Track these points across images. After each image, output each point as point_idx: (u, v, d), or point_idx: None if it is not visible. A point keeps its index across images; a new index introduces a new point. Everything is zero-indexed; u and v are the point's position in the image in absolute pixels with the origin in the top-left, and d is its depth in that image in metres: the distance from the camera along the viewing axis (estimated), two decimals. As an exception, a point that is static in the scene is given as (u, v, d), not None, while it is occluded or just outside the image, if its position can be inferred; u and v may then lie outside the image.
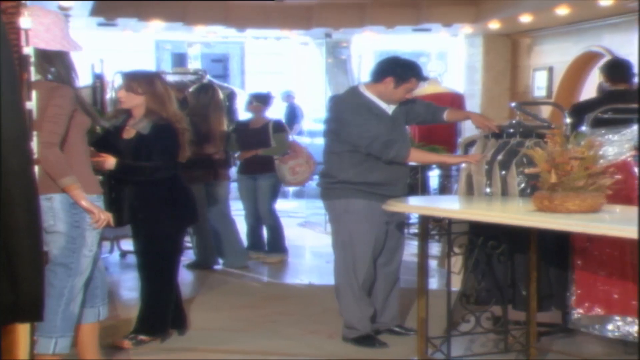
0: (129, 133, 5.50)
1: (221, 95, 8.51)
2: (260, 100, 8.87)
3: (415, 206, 5.10)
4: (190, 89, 8.62)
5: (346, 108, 5.68)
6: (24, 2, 3.29)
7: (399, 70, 5.62)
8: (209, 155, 8.04)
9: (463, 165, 5.70)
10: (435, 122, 6.22)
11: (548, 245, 5.27)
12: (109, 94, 9.48)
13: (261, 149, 8.64)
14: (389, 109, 5.69)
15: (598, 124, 5.42)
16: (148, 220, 5.55)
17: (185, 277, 8.05)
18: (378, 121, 5.59)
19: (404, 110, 5.78)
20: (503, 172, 5.36)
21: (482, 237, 4.96)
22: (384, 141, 5.52)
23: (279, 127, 8.78)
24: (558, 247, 5.31)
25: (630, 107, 5.62)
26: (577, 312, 5.20)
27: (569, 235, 5.04)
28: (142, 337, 5.63)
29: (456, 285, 5.35)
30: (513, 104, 6.25)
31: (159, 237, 5.59)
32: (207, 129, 8.01)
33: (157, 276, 5.64)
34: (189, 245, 8.85)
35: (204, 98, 8.19)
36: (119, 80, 9.46)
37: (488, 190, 5.41)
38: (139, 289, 5.77)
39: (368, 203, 5.56)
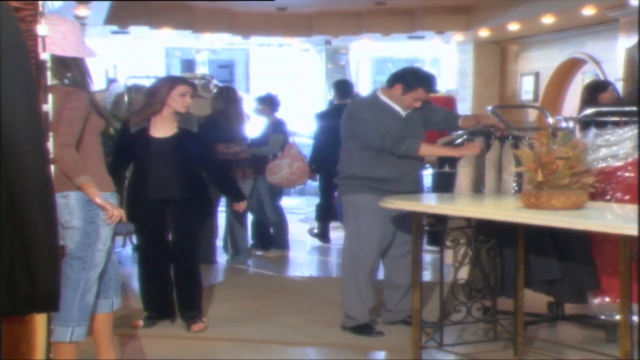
0: (161, 132, 5.63)
1: (239, 94, 8.45)
2: (266, 103, 8.82)
3: (409, 203, 5.08)
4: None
5: (362, 108, 5.76)
6: (41, 10, 3.28)
7: (408, 78, 5.65)
8: (235, 153, 7.97)
9: (462, 168, 5.63)
10: (451, 130, 6.18)
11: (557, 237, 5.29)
12: (113, 97, 9.44)
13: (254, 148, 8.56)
14: (403, 112, 5.70)
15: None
16: (199, 209, 5.80)
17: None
18: (391, 120, 5.62)
19: (421, 115, 5.75)
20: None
21: (482, 235, 4.94)
22: (396, 136, 5.54)
23: (276, 128, 8.69)
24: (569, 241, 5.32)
25: (619, 110, 5.62)
26: (597, 301, 5.21)
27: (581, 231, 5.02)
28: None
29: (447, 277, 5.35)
30: (489, 108, 6.23)
31: (199, 225, 5.91)
32: (231, 128, 7.95)
33: (197, 261, 5.91)
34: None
35: (219, 100, 8.14)
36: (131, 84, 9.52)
37: (515, 186, 5.40)
38: (180, 284, 5.81)
39: (375, 198, 5.52)
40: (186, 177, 5.70)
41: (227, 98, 8.11)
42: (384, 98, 5.70)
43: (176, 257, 5.82)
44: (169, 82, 5.74)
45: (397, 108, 5.68)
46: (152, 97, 5.69)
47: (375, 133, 5.56)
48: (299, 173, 8.48)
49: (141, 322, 5.80)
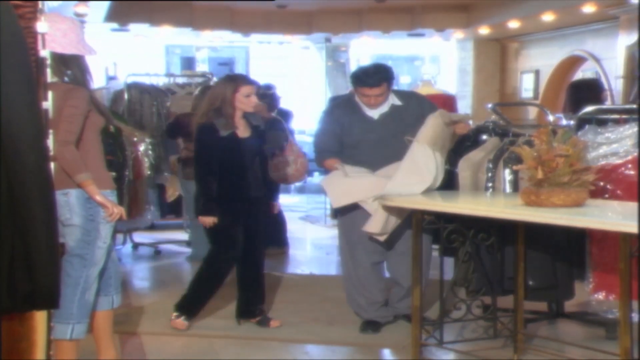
0: (242, 133, 5.67)
1: None
2: (263, 100, 8.78)
3: (408, 200, 5.08)
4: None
5: (325, 110, 6.03)
6: (41, 7, 3.28)
7: (350, 80, 5.81)
8: None
9: (462, 167, 5.60)
10: None
11: (554, 238, 5.27)
12: (112, 95, 9.44)
13: None
14: (376, 113, 5.66)
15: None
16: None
17: (187, 269, 8.07)
18: (340, 129, 5.67)
19: (423, 115, 5.64)
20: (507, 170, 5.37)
21: (472, 230, 4.93)
22: (320, 148, 5.80)
23: (272, 125, 8.65)
24: (564, 240, 5.31)
25: (618, 107, 5.62)
26: (595, 299, 5.20)
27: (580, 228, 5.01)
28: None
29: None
30: (489, 105, 6.21)
31: None
32: None
33: None
34: (187, 239, 8.88)
35: (201, 100, 8.16)
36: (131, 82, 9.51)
37: (489, 184, 5.38)
38: (253, 279, 5.85)
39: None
40: (263, 175, 5.84)
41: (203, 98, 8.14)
42: (357, 100, 5.73)
43: (255, 254, 5.83)
44: (232, 85, 5.64)
45: (368, 110, 5.67)
46: (219, 101, 5.61)
47: (315, 141, 5.86)
48: (302, 169, 8.47)
49: (186, 323, 5.75)
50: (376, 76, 5.59)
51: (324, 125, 5.86)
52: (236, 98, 5.59)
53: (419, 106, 5.73)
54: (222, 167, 5.60)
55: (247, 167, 5.67)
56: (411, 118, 5.61)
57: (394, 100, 5.69)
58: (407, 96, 5.85)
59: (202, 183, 5.64)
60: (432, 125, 5.26)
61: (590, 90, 6.87)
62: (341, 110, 5.79)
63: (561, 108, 6.87)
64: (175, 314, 5.74)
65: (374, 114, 5.66)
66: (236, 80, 5.70)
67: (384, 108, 5.65)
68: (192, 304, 5.78)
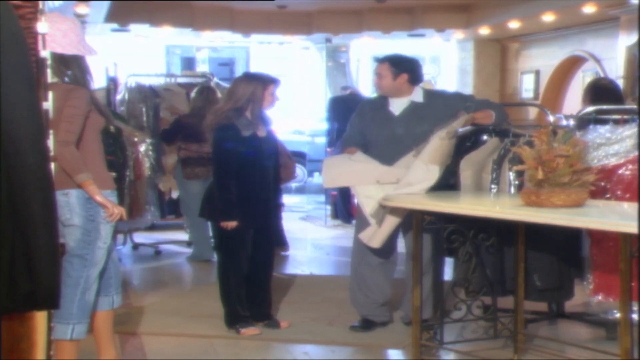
0: (262, 132, 5.64)
1: (219, 95, 8.45)
2: None
3: (408, 200, 5.07)
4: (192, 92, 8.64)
5: (357, 107, 5.98)
6: (42, 7, 3.28)
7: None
8: (207, 153, 8.00)
9: (464, 167, 5.58)
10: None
11: (556, 239, 5.27)
12: (121, 96, 9.46)
13: None
14: (398, 109, 5.65)
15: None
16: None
17: (187, 270, 8.05)
18: (363, 123, 5.70)
19: (441, 113, 5.54)
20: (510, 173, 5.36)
21: (473, 230, 4.93)
22: (344, 140, 5.86)
23: None
24: (565, 240, 5.31)
25: (618, 108, 5.61)
26: (595, 300, 5.19)
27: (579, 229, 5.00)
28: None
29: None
30: None
31: None
32: (203, 129, 7.96)
33: None
34: (187, 239, 8.87)
35: (199, 100, 8.20)
36: (132, 82, 9.52)
37: (494, 186, 5.37)
38: (264, 279, 5.84)
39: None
40: (275, 175, 5.80)
41: (206, 98, 8.15)
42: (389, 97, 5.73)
43: (264, 256, 5.82)
44: (261, 84, 5.59)
45: (392, 106, 5.64)
46: (243, 101, 5.56)
47: (342, 137, 5.94)
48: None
49: (252, 328, 5.70)
50: (386, 57, 5.74)
51: (352, 121, 5.86)
52: (264, 97, 5.58)
53: (443, 105, 5.60)
54: (242, 168, 5.53)
55: (266, 167, 5.64)
56: (431, 118, 5.49)
57: (415, 97, 5.65)
58: (432, 95, 5.77)
59: (221, 186, 5.54)
60: (440, 146, 5.22)
61: (615, 91, 6.83)
62: (370, 104, 5.90)
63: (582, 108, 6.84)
64: (232, 330, 5.67)
65: (396, 109, 5.65)
66: (263, 79, 5.65)
67: (404, 103, 5.65)
68: (234, 315, 5.69)
